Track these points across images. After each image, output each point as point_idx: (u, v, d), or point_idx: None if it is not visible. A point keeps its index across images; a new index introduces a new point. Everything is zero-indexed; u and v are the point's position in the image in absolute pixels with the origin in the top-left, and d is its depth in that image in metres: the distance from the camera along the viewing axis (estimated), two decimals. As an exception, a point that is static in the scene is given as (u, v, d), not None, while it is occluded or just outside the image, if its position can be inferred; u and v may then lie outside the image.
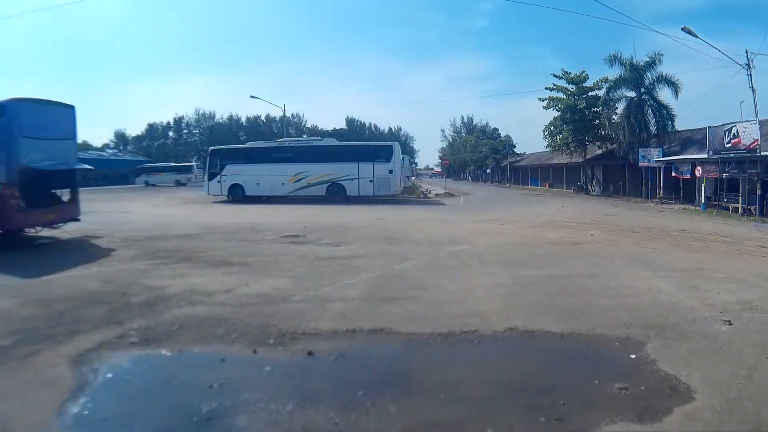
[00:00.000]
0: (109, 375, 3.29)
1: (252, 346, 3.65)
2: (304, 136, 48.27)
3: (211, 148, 24.07)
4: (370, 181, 20.61)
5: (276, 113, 60.46)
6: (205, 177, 22.60)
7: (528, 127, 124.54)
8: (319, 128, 73.21)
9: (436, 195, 28.02)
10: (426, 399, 2.90)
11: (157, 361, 3.52)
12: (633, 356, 3.54)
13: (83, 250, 8.37)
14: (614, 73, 26.63)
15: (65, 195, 10.02)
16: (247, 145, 24.58)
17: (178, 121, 76.60)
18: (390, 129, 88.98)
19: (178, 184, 38.90)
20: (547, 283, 5.81)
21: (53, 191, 9.88)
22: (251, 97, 45.21)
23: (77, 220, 9.93)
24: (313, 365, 3.41)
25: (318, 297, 5.05)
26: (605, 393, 2.96)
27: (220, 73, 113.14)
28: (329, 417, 2.63)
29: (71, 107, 9.95)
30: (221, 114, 78.83)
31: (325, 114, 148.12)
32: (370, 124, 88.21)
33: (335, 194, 20.64)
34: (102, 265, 6.87)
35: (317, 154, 21.66)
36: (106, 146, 75.08)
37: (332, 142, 24.87)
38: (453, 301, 4.96)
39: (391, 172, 20.65)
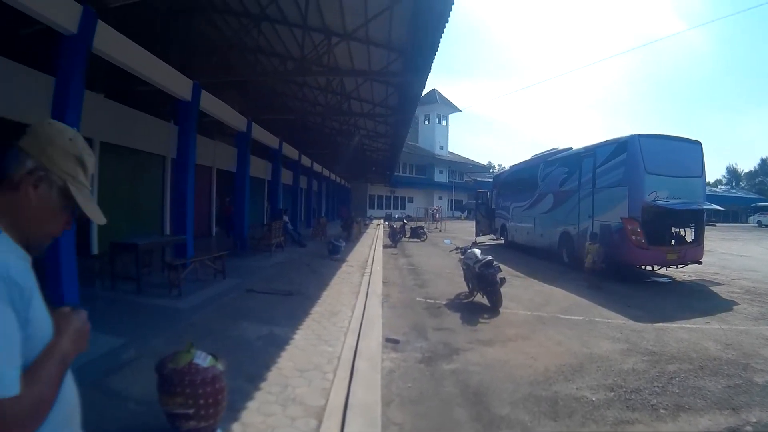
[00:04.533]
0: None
1: None
2: None
3: None
4: None
5: None
6: None
7: None
8: None
9: None
10: None
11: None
12: None
13: (701, 298, 7.64)
14: None
15: (689, 235, 9.57)
16: None
17: (789, 156, 71.19)
18: None
19: None
20: None
21: (678, 231, 9.60)
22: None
23: (699, 262, 9.41)
24: None
25: None
26: None
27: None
28: None
29: (698, 143, 9.35)
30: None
31: None
32: None
33: None
34: (722, 322, 6.06)
35: None
36: (718, 182, 75.66)
37: None
38: None
39: None
